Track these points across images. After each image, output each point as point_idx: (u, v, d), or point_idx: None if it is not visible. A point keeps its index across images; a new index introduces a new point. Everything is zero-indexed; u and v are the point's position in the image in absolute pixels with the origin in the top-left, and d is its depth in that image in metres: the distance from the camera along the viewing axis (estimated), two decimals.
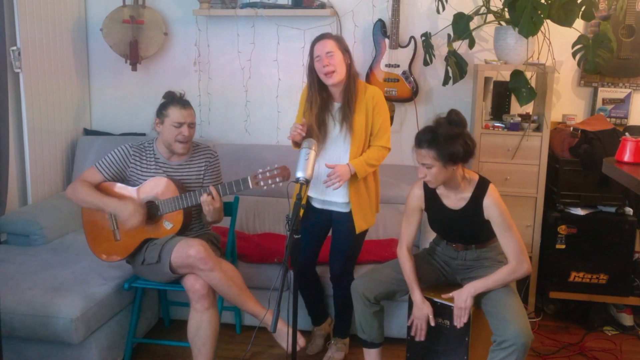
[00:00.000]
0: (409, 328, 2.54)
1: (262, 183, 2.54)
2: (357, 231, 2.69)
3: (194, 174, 2.79)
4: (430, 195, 2.50)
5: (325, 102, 2.65)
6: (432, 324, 2.46)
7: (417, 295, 2.47)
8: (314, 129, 2.62)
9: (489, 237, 2.43)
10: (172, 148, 2.73)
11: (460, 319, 2.39)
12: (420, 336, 2.48)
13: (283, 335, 2.58)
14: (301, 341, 2.58)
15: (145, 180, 2.72)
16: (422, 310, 2.46)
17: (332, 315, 3.06)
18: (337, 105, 2.66)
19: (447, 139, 2.26)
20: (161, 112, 2.72)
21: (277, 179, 2.53)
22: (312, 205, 2.76)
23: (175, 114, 2.68)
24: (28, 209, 3.36)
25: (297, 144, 2.64)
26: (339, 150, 2.66)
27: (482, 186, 2.39)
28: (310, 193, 2.74)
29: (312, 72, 2.63)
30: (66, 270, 2.83)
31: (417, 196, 2.53)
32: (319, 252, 2.89)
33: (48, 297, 2.58)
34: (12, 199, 3.35)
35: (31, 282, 2.70)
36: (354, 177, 2.61)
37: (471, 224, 2.42)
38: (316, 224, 2.78)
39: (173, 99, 2.73)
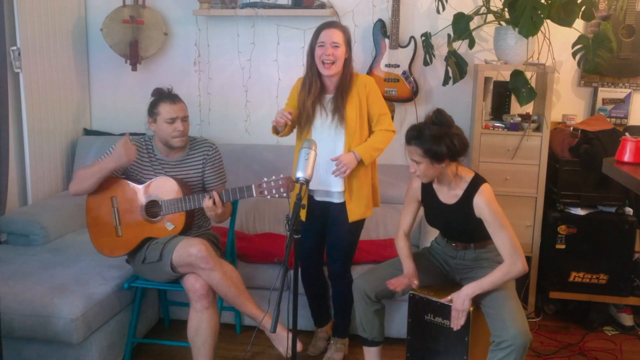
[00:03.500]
0: (409, 323, 2.56)
1: (266, 192, 2.52)
2: (350, 219, 2.69)
3: (193, 170, 2.79)
4: (426, 189, 2.54)
5: (318, 90, 2.67)
6: (414, 286, 2.51)
7: (408, 266, 2.54)
8: (302, 112, 2.65)
9: (487, 236, 2.43)
10: (170, 144, 2.73)
11: (457, 321, 2.39)
12: (395, 286, 2.49)
13: (280, 339, 2.58)
14: (298, 346, 2.57)
15: (144, 176, 2.73)
16: (410, 278, 2.50)
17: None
18: (328, 96, 2.69)
19: (432, 138, 2.31)
20: (152, 110, 2.73)
21: (282, 189, 2.50)
22: (311, 202, 2.75)
23: (166, 110, 2.68)
24: (28, 209, 3.36)
25: (277, 131, 2.70)
26: (331, 141, 2.67)
27: (474, 184, 2.41)
28: (310, 186, 2.74)
29: (313, 54, 2.65)
30: (66, 270, 2.83)
31: (415, 188, 2.59)
32: (322, 253, 2.89)
33: (48, 297, 2.58)
34: (12, 199, 3.35)
35: (31, 282, 2.70)
36: (360, 164, 2.63)
37: (464, 221, 2.43)
38: (316, 224, 2.78)
39: (162, 96, 2.73)
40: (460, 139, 2.35)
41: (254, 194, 2.54)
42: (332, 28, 2.62)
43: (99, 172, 2.68)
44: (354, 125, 2.64)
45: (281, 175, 2.51)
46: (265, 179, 2.53)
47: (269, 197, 2.53)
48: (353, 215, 2.70)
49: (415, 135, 2.35)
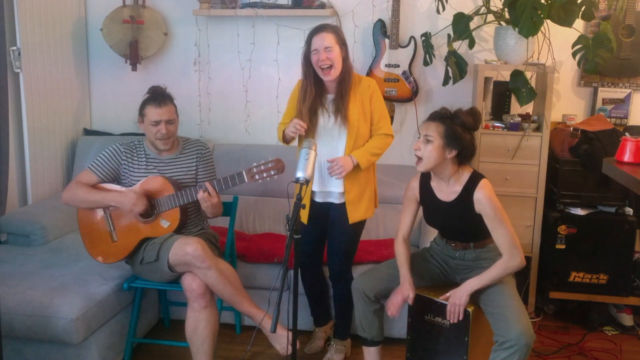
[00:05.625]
0: (409, 323, 2.56)
1: (257, 177, 2.55)
2: (350, 221, 2.70)
3: (185, 168, 2.80)
4: (425, 188, 2.54)
5: (319, 94, 2.66)
6: (410, 303, 2.48)
7: (404, 275, 2.50)
8: (305, 120, 2.63)
9: (486, 235, 2.44)
10: (155, 145, 2.76)
11: (453, 315, 2.39)
12: (393, 312, 2.49)
13: (278, 338, 2.58)
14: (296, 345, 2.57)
15: (138, 177, 2.73)
16: (404, 292, 2.48)
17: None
18: (330, 97, 2.68)
19: (462, 125, 2.38)
20: (141, 111, 2.75)
21: (272, 172, 2.55)
22: (312, 203, 2.75)
23: (151, 112, 2.69)
24: (28, 209, 3.36)
25: (287, 141, 2.68)
26: (334, 141, 2.67)
27: (473, 180, 2.42)
28: (312, 187, 2.75)
29: (307, 62, 2.63)
30: (66, 270, 2.83)
31: (413, 187, 2.59)
32: (323, 252, 2.89)
33: (48, 297, 2.58)
34: (12, 199, 3.35)
35: (31, 282, 2.70)
36: (357, 168, 2.62)
37: (463, 218, 2.44)
38: (317, 223, 2.78)
39: (150, 97, 2.73)
40: (475, 143, 2.43)
41: (246, 179, 2.55)
42: (321, 32, 2.59)
43: (100, 203, 2.70)
44: (356, 125, 2.64)
45: (270, 158, 2.55)
46: (255, 163, 2.56)
47: (260, 181, 2.56)
48: (353, 217, 2.70)
49: (446, 115, 2.40)
